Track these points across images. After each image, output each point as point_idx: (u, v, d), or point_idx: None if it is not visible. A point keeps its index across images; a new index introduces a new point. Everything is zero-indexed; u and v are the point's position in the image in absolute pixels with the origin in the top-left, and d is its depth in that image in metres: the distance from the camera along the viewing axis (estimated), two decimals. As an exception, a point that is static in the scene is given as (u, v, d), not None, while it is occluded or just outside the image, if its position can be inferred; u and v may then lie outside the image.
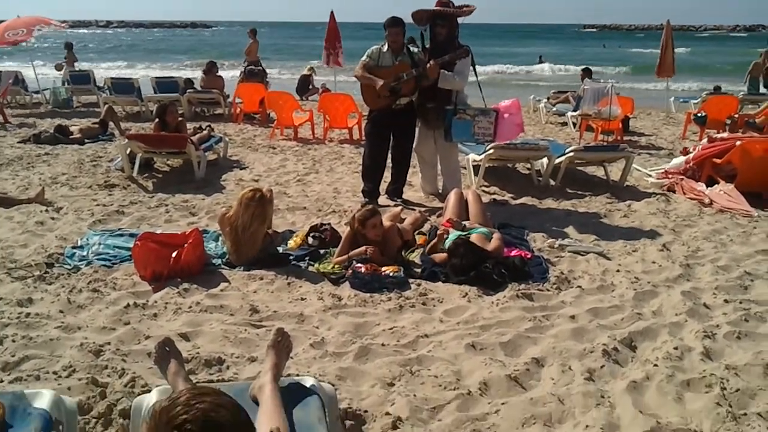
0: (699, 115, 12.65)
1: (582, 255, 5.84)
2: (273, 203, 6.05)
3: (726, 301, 4.85)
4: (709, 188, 7.84)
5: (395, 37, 7.05)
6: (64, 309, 4.59)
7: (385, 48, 7.15)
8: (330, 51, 15.83)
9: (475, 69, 7.29)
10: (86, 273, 5.24)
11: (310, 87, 19.19)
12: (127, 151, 8.59)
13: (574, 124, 13.31)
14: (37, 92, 16.84)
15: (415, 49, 7.23)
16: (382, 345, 4.10)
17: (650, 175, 9.04)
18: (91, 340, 4.09)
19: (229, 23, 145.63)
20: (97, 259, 5.51)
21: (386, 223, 5.66)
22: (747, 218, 7.10)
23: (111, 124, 12.03)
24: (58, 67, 19.99)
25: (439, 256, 5.46)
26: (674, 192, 8.19)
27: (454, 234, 5.59)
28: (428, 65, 6.93)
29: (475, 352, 4.03)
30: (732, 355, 4.02)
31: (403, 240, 5.89)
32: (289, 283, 5.10)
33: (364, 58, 7.26)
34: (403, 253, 5.76)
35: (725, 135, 9.16)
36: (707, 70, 33.27)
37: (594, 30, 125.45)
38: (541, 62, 39.99)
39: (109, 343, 4.05)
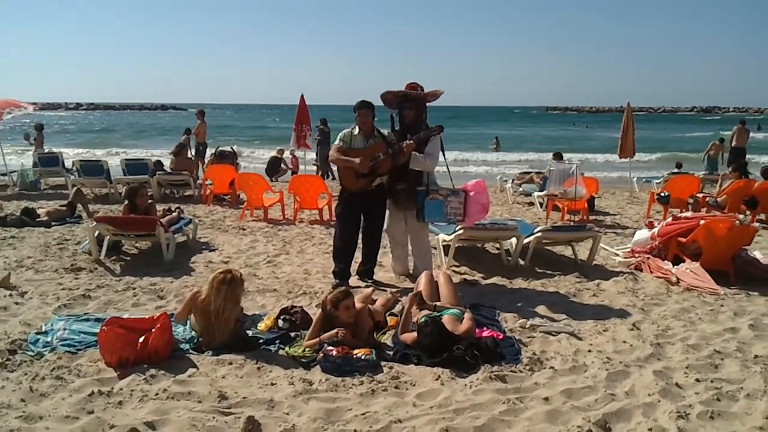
0: (662, 194, 12.94)
1: (554, 335, 5.84)
2: (243, 284, 6.01)
3: (697, 380, 4.87)
4: (676, 267, 7.96)
5: (365, 118, 7.19)
6: (25, 398, 4.44)
7: (356, 131, 7.27)
8: (299, 133, 16.06)
9: (443, 150, 7.42)
10: (50, 360, 5.09)
11: (280, 168, 19.34)
12: (95, 234, 8.50)
13: (541, 204, 13.53)
14: (4, 174, 16.76)
15: (385, 131, 7.35)
16: (355, 431, 4.01)
17: (617, 254, 9.16)
18: (54, 429, 3.96)
19: (200, 105, 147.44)
20: (62, 345, 5.37)
21: (358, 304, 5.62)
22: (714, 296, 7.19)
23: (79, 206, 11.95)
24: (26, 137, 19.97)
25: (410, 336, 5.42)
26: (641, 270, 8.29)
27: (424, 316, 5.58)
28: (405, 143, 7.04)
29: (450, 437, 3.97)
30: (706, 436, 4.01)
31: (375, 321, 5.85)
32: (258, 368, 5.00)
33: (337, 141, 7.37)
34: (375, 335, 5.72)
35: (689, 214, 9.36)
36: (666, 149, 34.24)
37: (557, 112, 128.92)
38: (492, 147, 40.20)
39: (72, 433, 3.91)
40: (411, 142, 7.06)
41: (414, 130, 7.24)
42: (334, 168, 12.19)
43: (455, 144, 36.79)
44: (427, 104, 7.48)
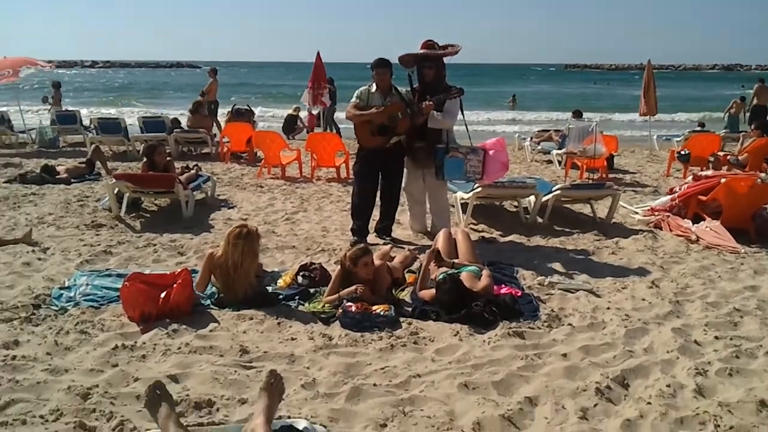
0: (682, 153, 12.80)
1: (572, 292, 5.85)
2: (260, 239, 6.05)
3: (716, 337, 4.87)
4: (696, 225, 7.91)
5: (383, 77, 7.13)
6: (51, 351, 4.52)
7: (374, 88, 7.21)
8: (315, 91, 15.96)
9: (462, 109, 7.36)
10: (73, 314, 5.18)
11: (296, 126, 19.28)
12: (115, 191, 8.56)
13: (560, 162, 13.43)
14: (23, 132, 16.83)
15: (403, 90, 7.29)
16: (374, 385, 4.06)
17: (636, 213, 9.11)
18: (79, 382, 4.02)
19: (215, 63, 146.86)
20: (85, 300, 5.45)
21: (376, 261, 5.65)
22: (734, 254, 7.15)
23: (98, 163, 12.01)
24: (44, 100, 20.00)
25: (428, 293, 5.45)
26: (661, 229, 8.25)
27: (444, 272, 5.60)
28: (425, 104, 6.99)
29: (468, 392, 4.00)
30: (724, 392, 4.02)
31: (393, 278, 5.88)
32: (279, 323, 5.06)
33: (353, 99, 7.32)
34: (393, 291, 5.75)
35: (710, 173, 9.26)
36: (687, 107, 33.78)
37: (577, 69, 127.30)
38: (509, 103, 40.18)
39: (97, 386, 3.98)
40: (430, 103, 7.00)
41: (434, 87, 7.18)
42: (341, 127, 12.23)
43: (471, 102, 36.47)
44: (446, 61, 7.39)
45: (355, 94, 7.34)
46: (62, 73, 72.01)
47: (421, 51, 7.23)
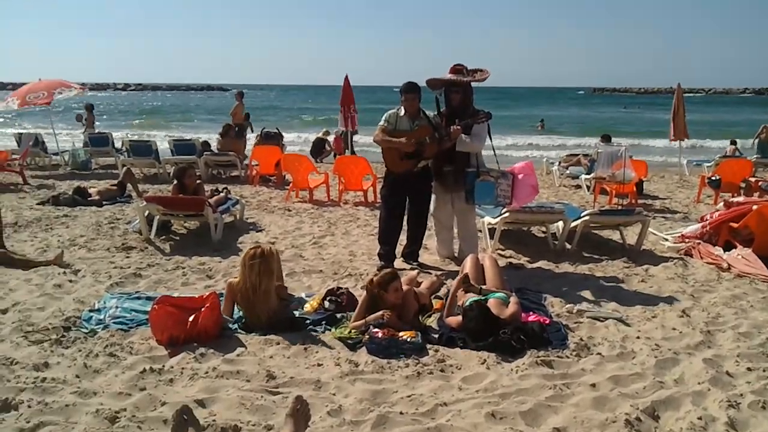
0: (713, 178, 12.67)
1: (601, 321, 5.78)
2: (278, 260, 6.07)
3: (749, 369, 4.77)
4: (727, 253, 7.79)
5: (411, 102, 7.15)
6: (80, 374, 4.57)
7: (402, 112, 7.24)
8: (346, 114, 16.08)
9: (490, 133, 7.36)
10: (103, 337, 5.23)
11: (324, 149, 19.42)
12: (146, 214, 8.66)
13: (588, 187, 13.35)
14: (56, 154, 17.18)
15: (430, 113, 7.31)
16: (401, 413, 4.04)
17: (666, 239, 9.00)
18: (107, 406, 4.05)
19: (244, 86, 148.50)
20: (114, 323, 5.50)
21: (404, 286, 5.64)
22: (766, 283, 7.03)
23: (129, 185, 12.18)
24: (78, 118, 20.33)
25: (455, 319, 5.42)
26: (691, 256, 8.14)
27: (472, 299, 5.57)
28: (453, 129, 7.01)
29: (495, 422, 3.97)
30: (757, 426, 3.95)
31: (420, 304, 5.86)
32: (305, 348, 5.06)
33: (382, 122, 7.35)
34: (420, 317, 5.73)
35: (741, 199, 9.14)
36: (716, 134, 33.44)
37: (606, 93, 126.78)
38: (538, 128, 40.12)
39: (125, 410, 4.01)
40: (458, 128, 7.02)
41: (462, 112, 7.20)
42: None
43: (498, 127, 36.40)
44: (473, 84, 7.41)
45: (383, 118, 7.36)
46: (95, 95, 73.26)
47: (449, 76, 7.25)
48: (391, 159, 7.29)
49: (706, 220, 8.66)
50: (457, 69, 7.27)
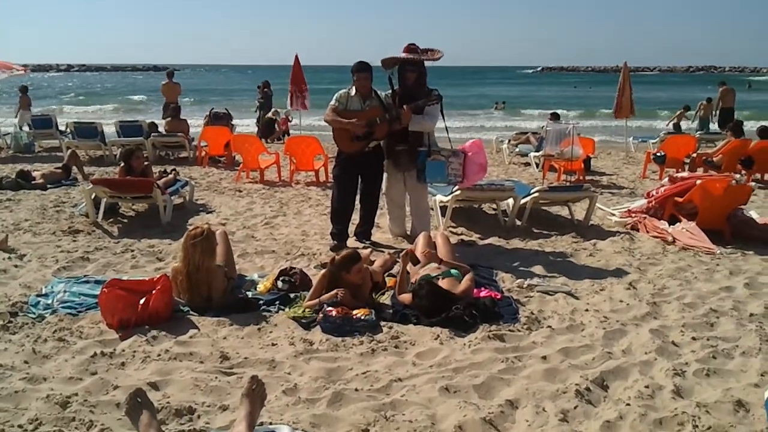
0: (658, 154, 12.95)
1: (551, 295, 5.89)
2: (226, 241, 6.06)
3: (693, 338, 4.92)
4: (672, 226, 7.99)
5: (363, 81, 7.14)
6: (28, 359, 4.47)
7: (353, 92, 7.22)
8: (296, 94, 15.95)
9: (443, 114, 7.39)
10: (51, 322, 5.13)
11: (275, 129, 19.25)
12: (92, 196, 8.49)
13: (537, 165, 13.51)
14: (-3, 137, 16.65)
15: (383, 93, 7.31)
16: (356, 390, 4.06)
17: (614, 214, 9.19)
18: (58, 391, 3.99)
19: (193, 66, 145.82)
20: (63, 307, 5.40)
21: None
22: (709, 255, 7.24)
23: (74, 168, 11.91)
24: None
25: (407, 296, 5.46)
26: (637, 230, 8.32)
27: (425, 276, 5.62)
28: (403, 111, 7.01)
29: (449, 395, 4.02)
30: (702, 393, 4.07)
31: (373, 282, 5.88)
32: (259, 329, 5.05)
33: (332, 102, 7.31)
34: (373, 295, 5.75)
35: (686, 174, 9.37)
36: (665, 109, 34.10)
37: (554, 72, 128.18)
38: (498, 108, 40.43)
39: (76, 394, 3.94)
40: (408, 108, 7.02)
41: (415, 91, 7.20)
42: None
43: (458, 108, 36.44)
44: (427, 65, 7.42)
45: (334, 97, 7.33)
46: (37, 77, 71.25)
47: (404, 54, 7.25)
48: (342, 139, 7.27)
49: (652, 195, 8.85)
50: (411, 48, 7.26)
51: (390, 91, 7.37)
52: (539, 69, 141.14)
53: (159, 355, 4.58)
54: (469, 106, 39.40)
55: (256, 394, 2.96)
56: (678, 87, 66.60)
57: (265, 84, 19.95)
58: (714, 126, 19.97)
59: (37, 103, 22.91)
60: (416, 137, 7.28)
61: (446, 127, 7.50)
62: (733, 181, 8.15)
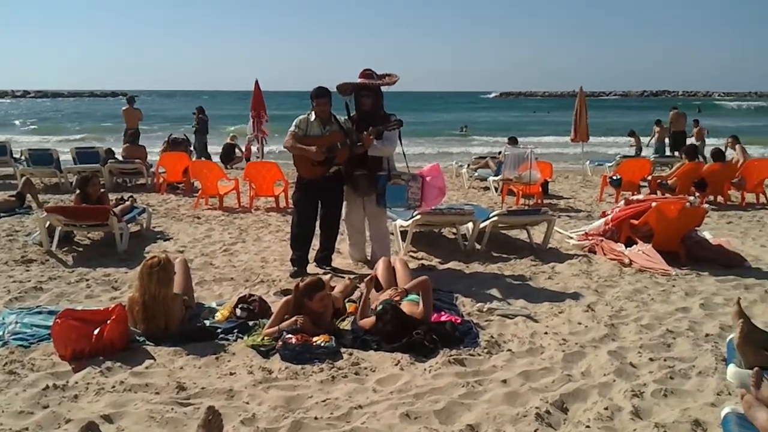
0: (614, 177, 13.16)
1: (510, 318, 5.91)
2: (185, 269, 6.01)
3: (651, 359, 4.98)
4: (628, 248, 8.10)
5: (323, 107, 7.15)
6: (-24, 393, 4.35)
7: (313, 117, 7.22)
8: (256, 119, 15.92)
9: (401, 138, 7.43)
10: (2, 354, 4.98)
11: (235, 155, 19.14)
12: (46, 225, 8.32)
13: (496, 189, 13.64)
14: (-53, 165, 16.26)
15: (342, 118, 7.32)
16: (315, 418, 4.01)
17: (571, 237, 9.29)
18: (7, 426, 3.87)
19: (149, 92, 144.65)
20: (14, 339, 5.25)
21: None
22: (666, 277, 7.35)
23: (28, 196, 11.66)
24: None
25: (369, 321, 5.43)
26: (595, 253, 8.42)
27: (383, 301, 5.60)
28: (365, 135, 7.02)
29: (410, 422, 3.99)
30: (660, 413, 4.11)
31: (334, 308, 5.84)
32: (217, 358, 4.97)
33: (292, 128, 7.31)
34: (334, 321, 5.71)
35: (641, 197, 9.53)
36: (617, 133, 34.68)
37: (512, 97, 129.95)
38: (462, 132, 40.74)
39: (26, 429, 3.84)
40: (370, 136, 7.04)
41: (372, 116, 7.23)
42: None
43: (419, 135, 36.46)
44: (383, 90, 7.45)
45: (294, 123, 7.33)
46: (-10, 103, 69.92)
47: (360, 80, 7.28)
48: (303, 165, 7.25)
49: (608, 215, 8.98)
50: (367, 74, 7.30)
51: (347, 117, 7.38)
52: (498, 94, 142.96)
53: (113, 386, 4.47)
54: (430, 133, 39.53)
55: (212, 424, 2.91)
56: (634, 111, 67.87)
57: (199, 110, 19.88)
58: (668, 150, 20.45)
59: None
60: (375, 162, 7.30)
61: (404, 153, 7.54)
62: (687, 204, 8.30)
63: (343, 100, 7.41)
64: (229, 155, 19.07)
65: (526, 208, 10.97)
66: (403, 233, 8.44)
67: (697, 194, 12.37)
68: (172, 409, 4.13)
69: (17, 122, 51.43)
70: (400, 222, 8.47)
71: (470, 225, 8.60)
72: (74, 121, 53.40)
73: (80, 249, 8.63)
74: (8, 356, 4.95)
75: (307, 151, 7.11)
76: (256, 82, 16.04)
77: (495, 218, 8.48)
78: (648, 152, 20.47)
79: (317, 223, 7.55)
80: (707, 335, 5.53)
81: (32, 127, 46.33)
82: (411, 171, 7.52)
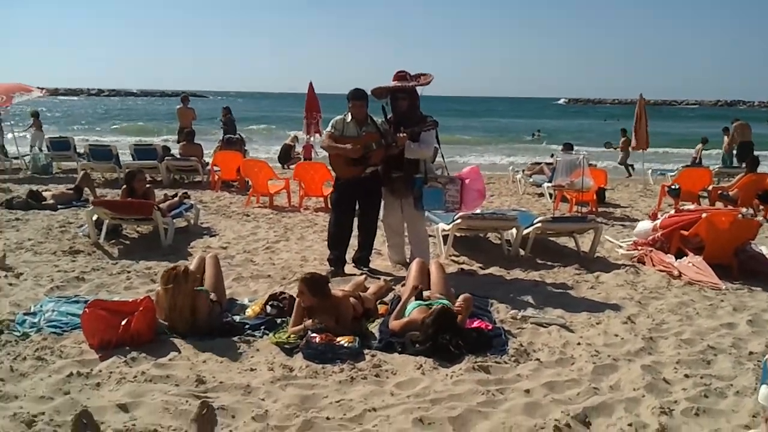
0: (673, 187, 12.77)
1: (544, 327, 5.75)
2: (216, 265, 6.06)
3: (687, 375, 4.76)
4: (678, 260, 7.81)
5: (359, 108, 7.11)
6: (5, 377, 4.45)
7: (349, 118, 7.19)
8: (310, 120, 16.03)
9: (438, 139, 7.33)
10: (35, 340, 5.10)
11: (293, 156, 19.30)
12: (94, 218, 8.51)
13: (551, 195, 13.39)
14: (16, 158, 16.85)
15: (379, 120, 7.27)
16: (327, 419, 3.96)
17: (621, 247, 9.02)
18: (26, 409, 3.94)
19: (221, 93, 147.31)
20: (48, 326, 5.37)
21: (339, 292, 5.59)
22: (715, 291, 7.05)
23: (86, 190, 11.98)
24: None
25: (400, 323, 5.34)
26: (644, 264, 8.15)
27: (414, 303, 5.51)
28: (399, 136, 6.96)
29: (423, 427, 3.90)
30: (688, 433, 3.91)
31: (365, 308, 5.79)
32: (240, 353, 4.98)
33: (328, 128, 7.31)
34: (365, 322, 5.65)
35: (692, 207, 9.20)
36: (686, 142, 33.70)
37: (580, 104, 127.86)
38: (536, 137, 39.96)
39: (43, 413, 3.90)
40: (404, 135, 6.97)
41: (408, 118, 7.15)
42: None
43: (493, 137, 35.92)
44: (420, 91, 7.35)
45: (330, 124, 7.33)
46: (66, 100, 72.43)
47: (393, 83, 7.22)
48: (339, 165, 7.24)
49: (658, 218, 8.69)
50: (401, 75, 7.24)
51: (384, 120, 7.32)
52: (566, 100, 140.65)
53: (135, 376, 4.51)
54: (505, 136, 38.79)
55: (205, 419, 2.88)
56: (706, 120, 65.87)
57: (225, 110, 20.11)
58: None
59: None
60: (411, 164, 7.22)
61: (442, 155, 7.44)
62: (740, 215, 7.96)
63: (380, 103, 7.36)
64: (287, 155, 19.23)
65: (575, 215, 10.74)
66: (445, 237, 8.33)
67: (761, 207, 11.90)
68: (187, 401, 4.12)
69: (88, 119, 53.01)
70: (442, 225, 8.36)
71: (514, 231, 8.43)
72: (140, 118, 54.57)
73: (127, 242, 8.80)
74: (40, 342, 5.06)
75: (342, 148, 7.08)
76: (310, 84, 16.15)
77: (538, 225, 8.29)
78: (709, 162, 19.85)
79: (355, 224, 7.51)
80: (751, 353, 5.27)
81: (100, 124, 47.57)
82: (449, 173, 7.40)
